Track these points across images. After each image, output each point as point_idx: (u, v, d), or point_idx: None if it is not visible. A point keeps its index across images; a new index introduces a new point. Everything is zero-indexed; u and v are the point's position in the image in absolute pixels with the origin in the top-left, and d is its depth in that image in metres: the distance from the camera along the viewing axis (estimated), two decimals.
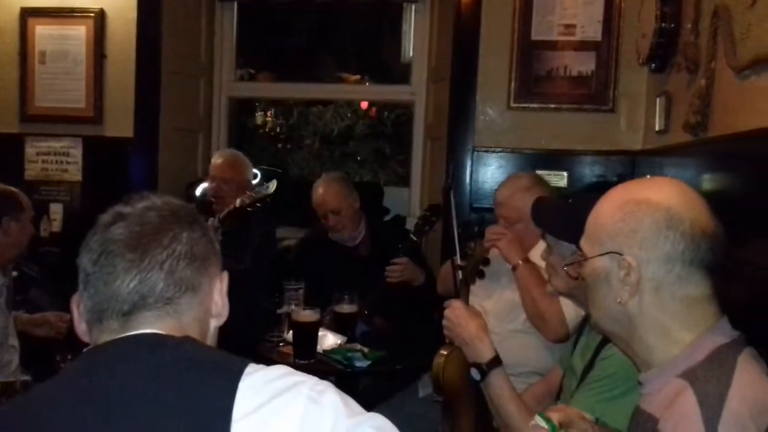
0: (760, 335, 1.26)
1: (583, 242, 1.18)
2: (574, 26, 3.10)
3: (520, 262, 2.21)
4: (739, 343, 1.08)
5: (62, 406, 0.86)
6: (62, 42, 3.53)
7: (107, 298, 0.92)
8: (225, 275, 1.04)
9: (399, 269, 2.69)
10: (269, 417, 0.83)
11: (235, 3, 3.98)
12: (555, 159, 3.18)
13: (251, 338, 2.56)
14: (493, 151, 3.23)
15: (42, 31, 3.54)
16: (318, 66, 5.13)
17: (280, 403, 0.84)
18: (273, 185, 2.83)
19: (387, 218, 3.69)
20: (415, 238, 2.76)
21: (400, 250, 2.72)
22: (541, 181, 2.44)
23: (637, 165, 3.02)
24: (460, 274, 1.91)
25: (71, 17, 3.50)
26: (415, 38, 3.84)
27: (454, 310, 1.75)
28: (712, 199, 1.73)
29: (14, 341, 2.34)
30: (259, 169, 3.84)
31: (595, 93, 3.12)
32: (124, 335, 0.92)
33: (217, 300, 1.02)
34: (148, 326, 0.92)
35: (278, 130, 6.12)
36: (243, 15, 4.05)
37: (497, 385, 1.62)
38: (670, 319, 1.08)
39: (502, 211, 2.37)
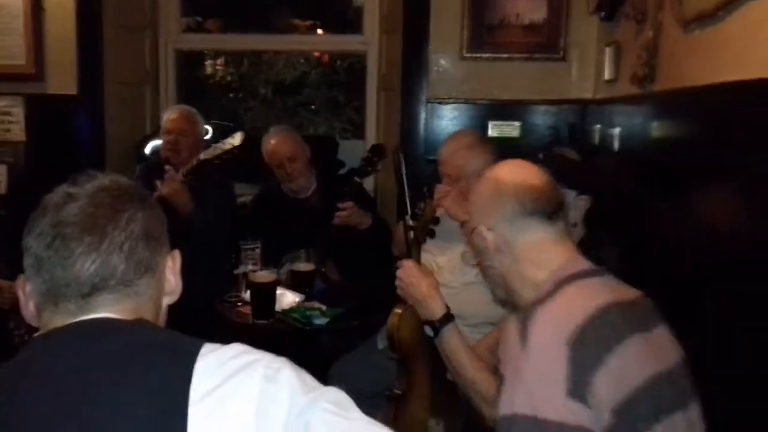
0: (696, 274, 1.47)
1: (470, 221, 1.50)
2: None
3: (467, 218, 2.24)
4: (582, 275, 1.31)
5: (19, 393, 0.85)
6: None
7: (65, 282, 0.91)
8: (177, 253, 1.04)
9: (344, 213, 2.69)
10: (226, 397, 0.84)
11: None
12: (508, 109, 3.20)
13: (213, 297, 2.56)
14: (447, 102, 3.24)
15: None
16: (268, 12, 4.99)
17: (235, 383, 0.85)
18: (239, 136, 2.79)
19: (342, 171, 3.67)
20: (358, 180, 2.77)
21: (345, 193, 2.72)
22: (483, 140, 2.47)
23: (587, 114, 3.07)
24: (411, 234, 1.93)
25: None
26: None
27: (405, 269, 1.78)
28: (659, 149, 1.80)
29: None
30: (210, 124, 3.76)
31: (547, 42, 3.13)
32: (78, 320, 0.91)
33: (170, 278, 1.02)
34: (106, 308, 0.92)
35: (229, 79, 5.97)
36: None
37: (449, 340, 1.67)
38: (526, 266, 1.36)
39: (446, 169, 2.41)
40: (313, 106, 5.60)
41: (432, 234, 1.99)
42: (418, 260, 1.89)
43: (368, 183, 3.53)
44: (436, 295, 1.73)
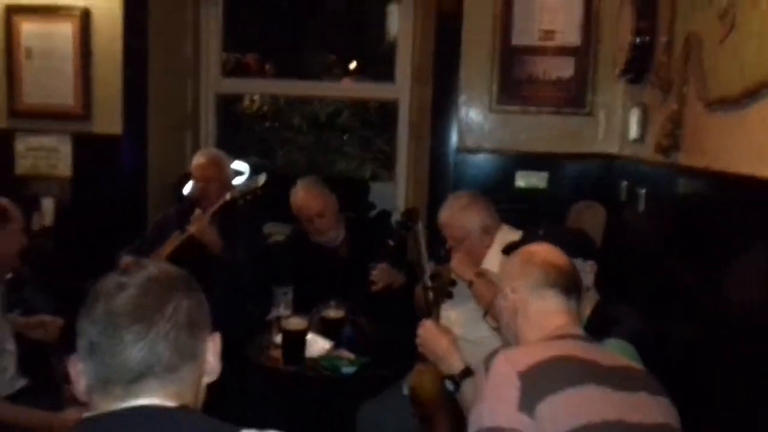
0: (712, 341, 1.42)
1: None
2: (553, 32, 3.18)
3: (474, 278, 2.34)
4: (564, 336, 1.45)
5: None
6: (48, 39, 3.55)
7: (114, 368, 0.99)
8: (217, 336, 1.11)
9: (379, 275, 2.76)
10: None
11: (220, 1, 3.99)
12: (536, 160, 3.28)
13: (244, 340, 2.65)
14: (476, 152, 3.33)
15: (28, 27, 3.56)
16: (304, 56, 5.16)
17: None
18: (262, 178, 2.91)
19: (373, 213, 3.77)
20: (392, 243, 2.84)
21: (379, 255, 2.79)
22: (478, 197, 2.56)
23: (613, 168, 3.13)
24: (430, 295, 2.02)
25: (56, 15, 3.52)
26: (399, 37, 3.89)
27: (425, 329, 1.87)
28: (683, 217, 1.86)
29: (10, 346, 2.38)
30: (247, 161, 3.90)
31: (574, 97, 3.21)
32: (125, 406, 0.99)
33: (210, 359, 1.09)
34: (151, 393, 0.99)
35: (265, 110, 6.14)
36: (228, 9, 4.05)
37: (469, 393, 1.74)
38: (532, 328, 1.51)
39: (448, 232, 2.52)
40: (345, 139, 5.72)
41: (450, 295, 2.09)
42: (437, 319, 1.98)
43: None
44: (455, 351, 1.81)
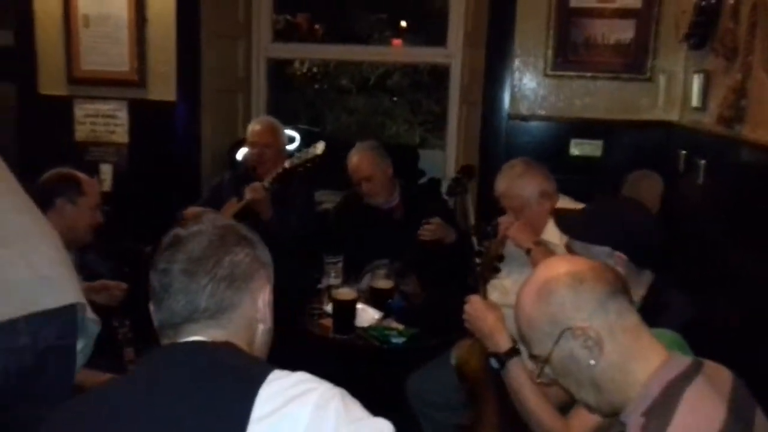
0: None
1: (533, 350, 1.27)
2: None
3: (533, 246, 2.31)
4: (690, 374, 1.14)
5: (124, 397, 1.08)
6: (104, 6, 3.59)
7: (165, 313, 1.14)
8: (267, 287, 1.20)
9: (431, 228, 2.80)
10: (280, 420, 0.98)
11: None
12: (590, 128, 3.20)
13: (297, 308, 2.71)
14: (529, 119, 3.26)
15: None
16: (355, 15, 5.11)
17: (289, 409, 0.99)
18: (321, 146, 2.92)
19: (422, 181, 3.76)
20: (447, 199, 2.85)
21: (432, 210, 2.83)
22: (533, 164, 2.51)
23: (672, 137, 3.02)
24: (477, 270, 2.01)
25: None
26: (451, 0, 3.80)
27: (472, 304, 1.86)
28: (747, 193, 1.74)
29: None
30: (297, 129, 3.93)
31: (633, 62, 3.10)
32: (175, 341, 1.13)
33: (261, 309, 1.18)
34: (194, 334, 1.12)
35: (315, 72, 6.14)
36: None
37: (515, 373, 1.72)
38: (627, 357, 1.17)
39: (505, 202, 2.47)
40: (395, 101, 5.68)
41: (497, 270, 2.08)
42: (484, 295, 1.97)
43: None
44: (502, 328, 1.80)
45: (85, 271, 2.96)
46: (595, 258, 1.63)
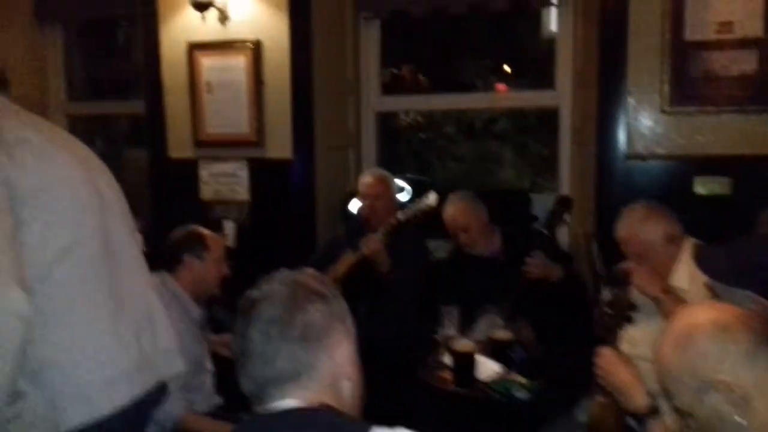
0: None
1: (675, 403, 1.19)
2: (731, 23, 2.93)
3: (661, 294, 2.19)
4: None
5: None
6: (225, 72, 3.84)
7: (248, 379, 1.15)
8: (345, 342, 1.19)
9: (536, 262, 2.74)
10: None
11: (378, 21, 4.10)
12: (717, 164, 3.03)
13: (414, 359, 2.70)
14: (647, 158, 3.13)
15: (207, 62, 3.86)
16: (458, 63, 5.17)
17: None
18: (433, 197, 2.96)
19: (535, 225, 3.68)
20: (546, 233, 2.79)
21: (533, 246, 2.77)
22: (655, 207, 2.40)
23: None
24: (607, 321, 1.93)
25: (232, 49, 3.79)
26: (558, 40, 3.76)
27: (604, 358, 1.78)
28: None
29: (209, 364, 2.61)
30: (405, 179, 3.98)
31: (759, 93, 2.93)
32: (266, 408, 1.12)
33: (342, 365, 1.17)
34: (280, 399, 1.12)
35: (419, 126, 6.22)
36: (385, 30, 4.16)
37: None
38: None
39: (628, 248, 2.39)
40: (502, 147, 5.64)
41: (629, 320, 1.97)
42: (616, 347, 1.88)
43: (562, 235, 3.50)
44: (639, 384, 1.69)
45: (212, 324, 3.11)
46: (737, 303, 1.53)
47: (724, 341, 1.13)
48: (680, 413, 1.19)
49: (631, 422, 1.69)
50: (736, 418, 1.10)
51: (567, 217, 2.91)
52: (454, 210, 3.08)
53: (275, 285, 1.18)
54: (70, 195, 1.33)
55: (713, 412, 1.13)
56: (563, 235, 3.52)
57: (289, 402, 1.11)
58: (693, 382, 1.15)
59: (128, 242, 1.59)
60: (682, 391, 1.17)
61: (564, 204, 2.86)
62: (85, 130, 5.05)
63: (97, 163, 1.36)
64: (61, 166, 1.32)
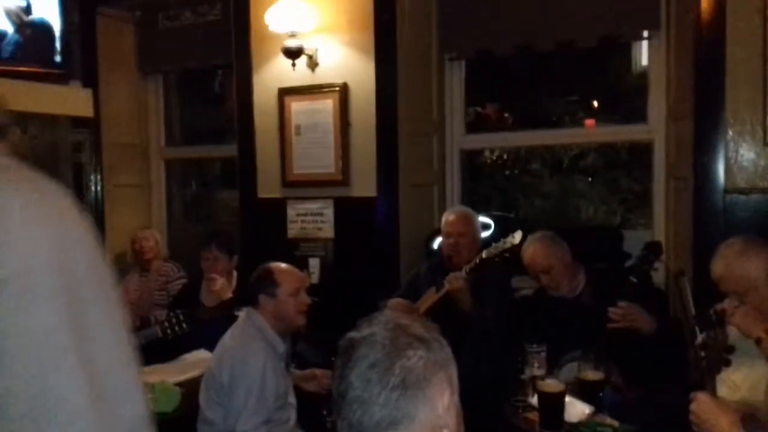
0: None
1: None
2: None
3: (763, 335, 2.03)
4: None
5: None
6: (313, 115, 3.96)
7: (344, 423, 1.11)
8: (449, 392, 1.13)
9: (619, 312, 2.59)
10: None
11: (463, 62, 4.13)
12: None
13: (500, 399, 2.62)
14: (749, 192, 2.96)
15: (296, 107, 4.00)
16: (544, 99, 5.10)
17: None
18: (518, 235, 2.90)
19: (629, 263, 3.53)
20: (634, 280, 2.64)
21: (620, 294, 2.62)
22: (756, 241, 2.23)
23: None
24: (703, 364, 1.80)
25: (320, 93, 3.92)
26: (650, 73, 3.66)
27: (700, 404, 1.67)
28: None
29: (292, 399, 2.63)
30: (490, 216, 3.93)
31: None
32: None
33: (442, 416, 1.11)
34: None
35: (505, 163, 6.16)
36: (470, 69, 4.18)
37: None
38: None
39: (726, 286, 2.23)
40: (591, 182, 5.48)
41: (727, 363, 1.84)
42: (713, 393, 1.75)
43: (658, 278, 3.34)
44: None
45: (296, 359, 3.15)
46: None
47: None
48: None
49: None
50: None
51: (657, 263, 2.75)
52: (534, 252, 2.98)
53: (377, 328, 1.14)
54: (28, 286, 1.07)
55: None
56: (657, 279, 3.35)
57: None
58: None
59: (108, 324, 1.18)
60: None
61: (653, 249, 2.71)
62: (180, 173, 5.34)
63: (76, 231, 1.05)
64: (20, 256, 1.03)
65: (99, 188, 4.57)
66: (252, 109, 4.12)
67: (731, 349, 1.89)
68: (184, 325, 2.87)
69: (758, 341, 2.08)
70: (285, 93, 4.01)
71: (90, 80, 4.52)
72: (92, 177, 4.54)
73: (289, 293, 2.59)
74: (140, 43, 4.88)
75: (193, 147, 5.17)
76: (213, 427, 2.48)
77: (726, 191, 2.99)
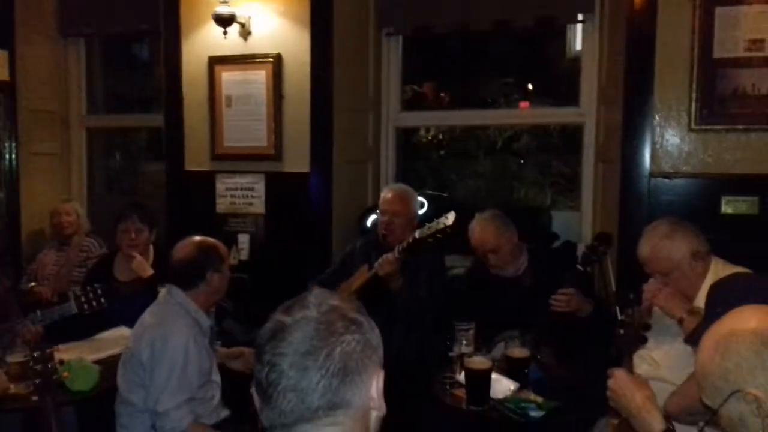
0: None
1: (704, 399, 1.19)
2: (762, 41, 2.87)
3: (684, 315, 2.10)
4: None
5: None
6: (245, 86, 3.84)
7: (275, 412, 1.04)
8: (381, 373, 1.10)
9: (564, 299, 2.63)
10: None
11: (401, 38, 4.08)
12: (744, 183, 2.94)
13: (428, 376, 2.63)
14: (673, 177, 3.05)
15: (227, 77, 3.87)
16: (481, 81, 5.12)
17: None
18: (452, 216, 2.88)
19: (556, 244, 3.60)
20: (581, 269, 2.69)
21: (566, 280, 2.66)
22: (680, 224, 2.29)
23: None
24: (621, 341, 1.84)
25: (253, 63, 3.79)
26: (583, 57, 3.71)
27: (617, 380, 1.70)
28: None
29: (216, 377, 2.55)
30: (425, 196, 3.92)
31: None
32: None
33: (374, 397, 1.08)
34: None
35: (440, 143, 6.17)
36: (407, 47, 4.14)
37: None
38: None
39: (651, 267, 2.29)
40: (523, 164, 5.56)
41: (643, 341, 1.89)
42: (630, 369, 1.79)
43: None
44: (653, 408, 1.62)
45: (223, 336, 3.07)
46: None
47: (762, 355, 1.11)
48: (708, 409, 1.20)
49: None
50: (760, 430, 1.10)
51: (605, 255, 2.78)
52: (483, 231, 2.96)
53: (310, 311, 1.07)
54: None
55: (738, 420, 1.13)
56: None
57: None
58: (724, 386, 1.15)
59: None
60: (711, 391, 1.18)
61: (603, 240, 2.74)
62: (103, 143, 5.10)
63: None
64: None
65: (14, 156, 4.30)
66: (180, 78, 3.95)
67: (647, 327, 1.93)
68: (102, 300, 2.72)
69: (680, 321, 2.14)
70: (216, 62, 3.87)
71: (5, 41, 4.23)
72: (6, 144, 4.27)
73: (228, 267, 2.56)
74: (61, 5, 4.59)
75: (117, 116, 4.94)
76: (133, 408, 2.39)
77: (651, 175, 3.07)
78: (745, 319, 1.17)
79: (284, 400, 1.02)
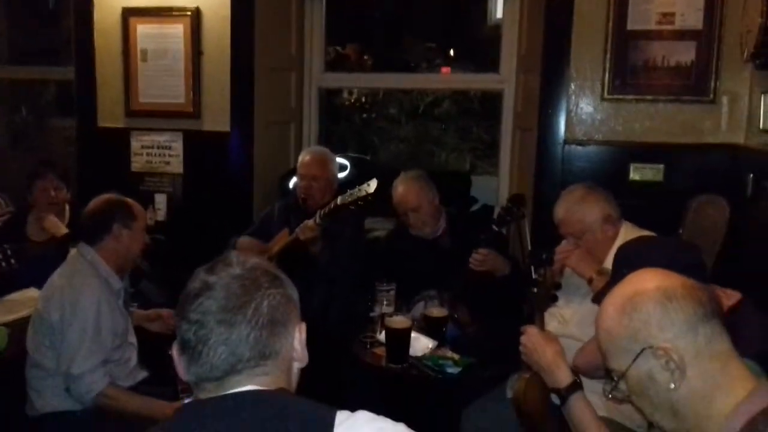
0: None
1: (610, 363, 1.20)
2: (673, 14, 2.99)
3: (594, 275, 2.22)
4: None
5: None
6: (162, 40, 3.68)
7: (202, 367, 1.07)
8: (303, 326, 1.15)
9: (480, 258, 2.71)
10: None
11: None
12: (651, 152, 3.10)
13: (349, 337, 2.67)
14: (586, 144, 3.17)
15: (143, 29, 3.70)
16: (404, 45, 5.13)
17: None
18: (374, 184, 2.89)
19: (475, 208, 3.69)
20: (497, 229, 2.78)
21: (482, 240, 2.74)
22: (594, 189, 2.41)
23: (738, 160, 2.90)
24: (533, 300, 1.93)
25: (170, 16, 3.64)
26: (504, 25, 3.77)
27: (529, 336, 1.78)
28: None
29: (133, 338, 2.50)
30: (347, 158, 3.92)
31: (695, 84, 3.00)
32: (227, 393, 1.06)
33: (297, 348, 1.14)
34: (240, 386, 1.06)
35: (363, 102, 6.17)
36: (330, 7, 4.08)
37: (577, 410, 1.63)
38: (711, 386, 1.10)
39: (565, 229, 2.38)
40: (444, 129, 5.65)
41: (554, 300, 2.00)
42: (541, 326, 1.88)
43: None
44: (562, 362, 1.71)
45: (139, 298, 3.00)
46: None
47: (668, 309, 1.13)
48: (612, 375, 1.20)
49: (554, 398, 1.69)
50: (671, 385, 1.11)
51: (520, 215, 2.87)
52: (405, 189, 3.00)
53: (234, 269, 1.11)
54: None
55: (647, 377, 1.14)
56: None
57: (249, 388, 1.06)
58: (632, 345, 1.15)
59: None
60: (619, 354, 1.18)
61: (517, 202, 2.82)
62: (8, 96, 4.80)
63: None
64: None
65: None
66: (92, 29, 3.75)
67: (558, 286, 2.04)
68: (12, 261, 2.60)
69: (590, 281, 2.25)
70: (130, 13, 3.69)
71: None
72: None
73: (141, 228, 2.49)
74: None
75: (22, 67, 4.64)
76: (45, 372, 2.31)
77: (566, 142, 3.19)
78: (647, 279, 1.20)
79: (215, 355, 1.05)
